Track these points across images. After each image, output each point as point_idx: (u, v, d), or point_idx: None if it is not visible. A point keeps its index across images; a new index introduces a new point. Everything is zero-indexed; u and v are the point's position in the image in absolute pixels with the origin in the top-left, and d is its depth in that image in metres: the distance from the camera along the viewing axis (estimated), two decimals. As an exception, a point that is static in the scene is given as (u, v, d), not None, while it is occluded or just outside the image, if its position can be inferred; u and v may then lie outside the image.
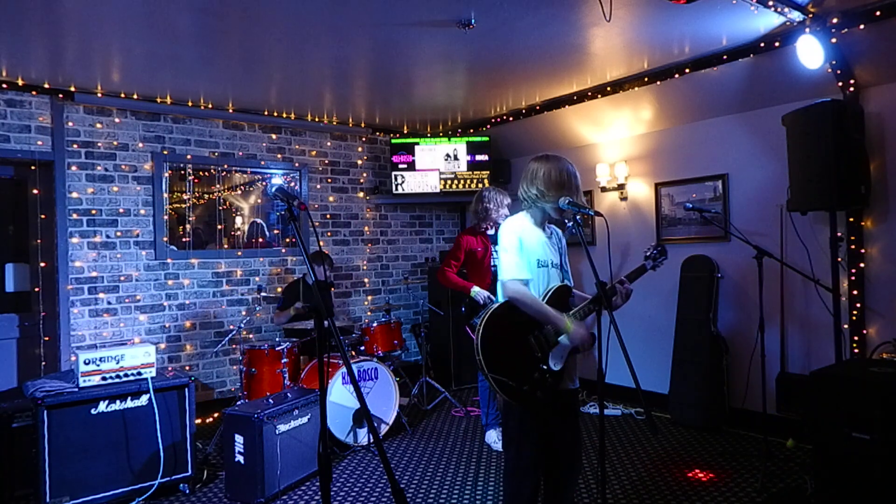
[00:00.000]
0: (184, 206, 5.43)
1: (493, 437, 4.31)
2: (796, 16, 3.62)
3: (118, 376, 3.52)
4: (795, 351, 4.33)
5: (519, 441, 2.50)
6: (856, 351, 3.95)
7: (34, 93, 4.61)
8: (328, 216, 6.23)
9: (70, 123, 4.78)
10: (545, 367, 2.41)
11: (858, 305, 3.95)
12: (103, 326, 4.90)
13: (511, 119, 6.04)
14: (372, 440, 4.33)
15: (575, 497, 2.67)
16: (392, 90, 5.15)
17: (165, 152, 5.22)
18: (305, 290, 4.97)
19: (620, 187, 5.43)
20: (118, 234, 4.99)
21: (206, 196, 5.61)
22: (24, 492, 3.56)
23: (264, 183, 5.97)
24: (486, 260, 4.41)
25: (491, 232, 4.39)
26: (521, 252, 2.45)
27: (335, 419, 4.20)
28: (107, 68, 4.33)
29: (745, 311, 4.56)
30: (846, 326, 3.98)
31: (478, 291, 4.19)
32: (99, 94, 4.81)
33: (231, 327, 5.42)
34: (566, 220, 2.66)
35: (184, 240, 5.39)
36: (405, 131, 6.73)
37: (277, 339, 4.66)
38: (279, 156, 5.89)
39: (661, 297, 5.13)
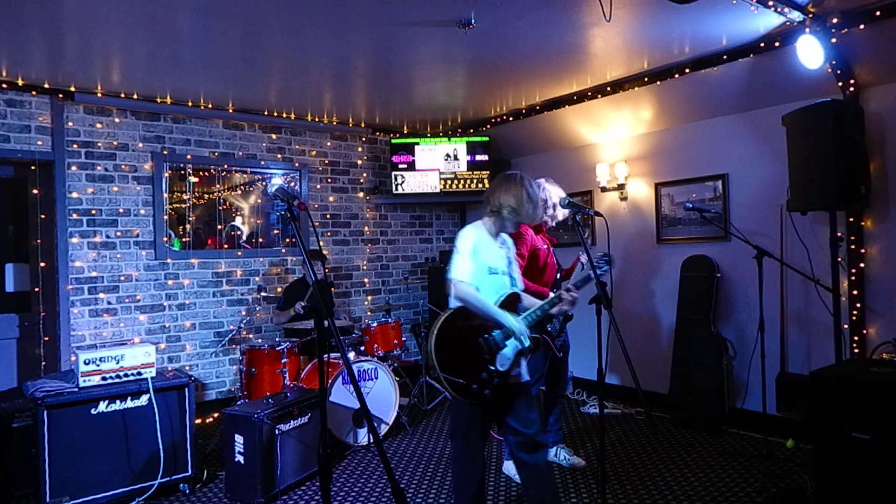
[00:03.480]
0: (184, 206, 5.43)
1: (514, 471, 3.71)
2: (796, 16, 3.62)
3: (118, 376, 3.52)
4: (795, 351, 4.33)
5: (466, 431, 2.71)
6: (856, 351, 3.94)
7: (34, 93, 4.61)
8: (328, 216, 6.23)
9: (70, 123, 4.78)
10: (493, 367, 2.60)
11: (858, 305, 3.95)
12: (103, 326, 4.90)
13: (511, 119, 6.03)
14: (372, 440, 4.33)
15: (554, 475, 2.82)
16: (392, 90, 5.15)
17: (165, 152, 5.22)
18: (306, 289, 4.97)
19: (620, 187, 5.43)
20: (118, 234, 4.98)
21: (206, 196, 5.62)
22: (24, 492, 3.56)
23: (264, 183, 5.97)
24: (549, 261, 3.73)
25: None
26: (473, 258, 2.65)
27: (335, 419, 4.20)
28: (107, 68, 4.33)
29: (745, 311, 4.55)
30: (846, 326, 3.98)
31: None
32: (99, 94, 4.81)
33: (231, 327, 5.43)
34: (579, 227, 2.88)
35: (184, 240, 5.39)
36: (405, 131, 6.73)
37: (277, 339, 4.66)
38: (279, 156, 5.89)
39: (661, 297, 5.13)
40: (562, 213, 3.65)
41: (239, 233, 5.84)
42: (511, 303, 2.71)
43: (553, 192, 3.69)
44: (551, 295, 2.79)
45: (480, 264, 2.67)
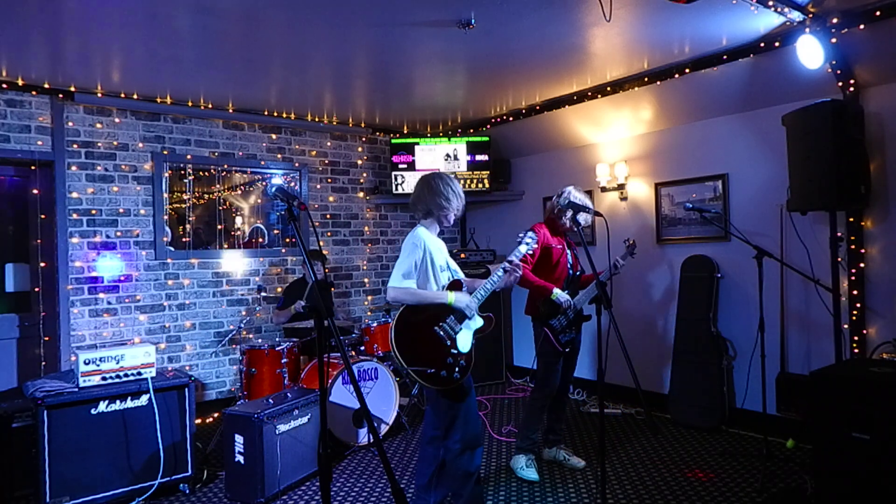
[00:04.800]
0: (184, 206, 5.43)
1: (521, 463, 3.83)
2: (796, 16, 3.62)
3: (118, 376, 3.52)
4: (795, 351, 4.33)
5: (464, 424, 2.79)
6: (856, 351, 3.95)
7: (34, 93, 4.61)
8: (328, 216, 6.23)
9: (70, 123, 4.78)
10: (455, 350, 2.78)
11: (858, 305, 3.95)
12: (103, 326, 4.90)
13: (511, 119, 6.03)
14: (372, 440, 4.33)
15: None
16: (392, 90, 5.15)
17: (165, 152, 5.22)
18: (307, 289, 4.97)
19: (620, 187, 5.43)
20: (118, 234, 4.99)
21: (206, 196, 5.62)
22: (24, 492, 3.56)
23: (264, 183, 5.97)
24: (562, 260, 3.83)
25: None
26: (428, 260, 2.82)
27: (335, 419, 4.20)
28: (107, 68, 4.33)
29: (745, 311, 4.55)
30: (846, 326, 3.98)
31: (559, 294, 3.66)
32: (99, 94, 4.81)
33: (231, 327, 5.43)
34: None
35: (184, 240, 5.39)
36: (405, 131, 6.73)
37: (277, 339, 4.66)
38: (279, 156, 5.89)
39: (661, 297, 5.13)
40: (584, 219, 3.59)
41: (262, 234, 5.95)
42: (453, 288, 2.90)
43: (584, 199, 3.75)
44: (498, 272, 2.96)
45: (435, 265, 2.87)
